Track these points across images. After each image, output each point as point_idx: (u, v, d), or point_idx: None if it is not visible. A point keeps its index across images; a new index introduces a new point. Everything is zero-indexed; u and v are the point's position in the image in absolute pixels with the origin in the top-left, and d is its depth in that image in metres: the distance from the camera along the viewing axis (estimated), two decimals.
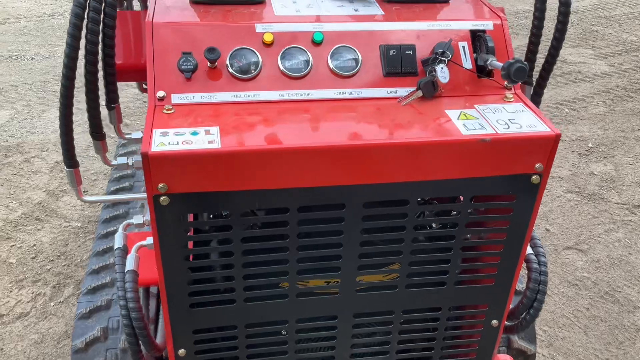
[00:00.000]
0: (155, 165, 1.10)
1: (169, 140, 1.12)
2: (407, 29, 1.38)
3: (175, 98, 1.25)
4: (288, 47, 1.32)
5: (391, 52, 1.33)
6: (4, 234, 2.97)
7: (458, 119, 1.25)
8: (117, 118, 1.47)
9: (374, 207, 1.25)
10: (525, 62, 1.22)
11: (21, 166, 3.51)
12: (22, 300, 2.63)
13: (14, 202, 3.15)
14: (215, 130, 1.16)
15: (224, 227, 1.22)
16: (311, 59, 1.32)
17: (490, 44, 1.36)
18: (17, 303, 2.62)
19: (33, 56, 4.88)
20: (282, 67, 1.30)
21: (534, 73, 1.57)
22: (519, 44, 5.19)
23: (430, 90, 1.31)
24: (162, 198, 1.13)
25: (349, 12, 1.42)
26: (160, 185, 1.12)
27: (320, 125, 1.21)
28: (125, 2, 1.72)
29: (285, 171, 1.16)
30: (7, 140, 3.74)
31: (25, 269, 2.79)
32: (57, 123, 3.62)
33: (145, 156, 1.09)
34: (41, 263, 2.82)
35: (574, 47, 5.44)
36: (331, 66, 1.32)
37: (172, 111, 1.22)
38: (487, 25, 1.41)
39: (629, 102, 4.59)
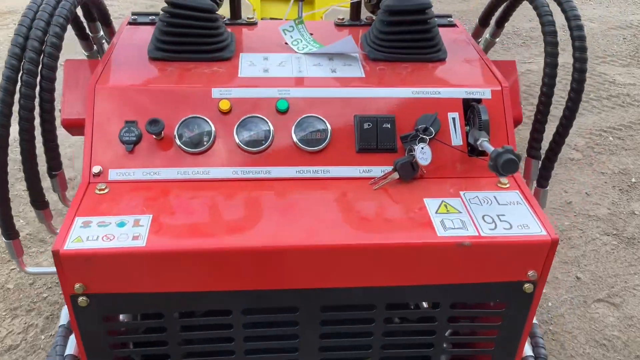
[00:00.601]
0: (69, 265, 0.95)
1: (88, 234, 0.97)
2: (388, 96, 1.19)
3: (113, 174, 1.10)
4: (247, 116, 1.15)
5: (365, 125, 1.15)
6: (6, 256, 2.91)
7: (437, 212, 1.06)
8: (60, 186, 1.34)
9: (332, 312, 1.07)
10: (517, 154, 1.02)
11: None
12: (14, 331, 2.56)
13: (21, 221, 3.09)
14: (146, 220, 1.01)
15: (158, 328, 1.07)
16: (272, 130, 1.15)
17: (484, 117, 1.16)
18: (8, 334, 2.55)
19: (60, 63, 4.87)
20: (238, 140, 1.14)
21: (541, 145, 1.35)
22: (564, 61, 4.87)
23: (408, 173, 1.12)
24: (80, 299, 0.99)
25: (324, 72, 1.25)
26: (77, 285, 0.97)
27: (272, 215, 1.04)
28: (95, 46, 1.59)
29: (225, 273, 0.99)
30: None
31: (21, 295, 2.73)
32: (68, 138, 3.57)
33: (57, 255, 0.94)
34: (38, 290, 2.75)
35: (624, 66, 5.07)
36: (295, 139, 1.15)
37: (105, 191, 1.08)
38: (483, 93, 1.21)
39: None
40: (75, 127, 1.32)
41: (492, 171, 1.04)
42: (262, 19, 2.05)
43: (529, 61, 4.94)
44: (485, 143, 1.11)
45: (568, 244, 3.12)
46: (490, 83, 1.22)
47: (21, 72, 1.10)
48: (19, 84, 1.10)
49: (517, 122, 1.36)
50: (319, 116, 1.16)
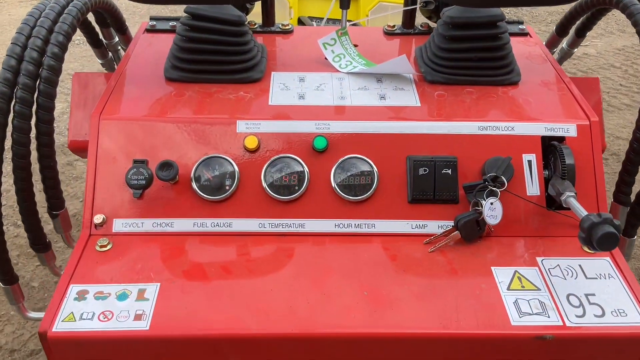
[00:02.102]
0: (59, 350, 0.79)
1: (83, 310, 0.80)
2: (449, 132, 0.97)
3: (118, 225, 0.93)
4: (277, 156, 0.96)
5: (421, 171, 0.94)
6: (31, 251, 2.82)
7: (509, 288, 0.85)
8: (63, 226, 1.17)
9: None
10: (617, 224, 0.79)
11: (63, 170, 3.36)
12: (35, 334, 2.47)
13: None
14: (153, 291, 0.83)
15: None
16: (307, 173, 0.95)
17: (568, 161, 0.94)
18: (31, 337, 2.46)
19: None
20: (266, 185, 0.94)
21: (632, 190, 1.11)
22: (623, 44, 4.49)
23: (473, 232, 0.91)
24: None
25: (372, 99, 1.04)
26: None
27: (304, 286, 0.85)
28: (110, 53, 1.40)
29: None
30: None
31: (46, 295, 2.63)
32: None
33: (44, 337, 0.78)
34: None
35: None
36: (334, 185, 0.95)
37: (107, 248, 0.90)
38: (567, 129, 0.98)
39: None
40: (84, 150, 1.15)
41: (582, 243, 0.82)
42: (299, 18, 1.83)
43: (585, 44, 4.57)
44: (572, 201, 0.88)
45: None
46: (576, 116, 1.00)
47: (17, 87, 0.93)
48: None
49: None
50: (364, 157, 0.95)
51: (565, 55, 1.44)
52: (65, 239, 1.19)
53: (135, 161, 0.94)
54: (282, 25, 1.28)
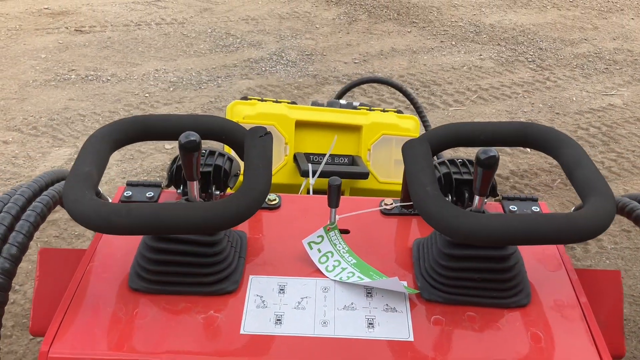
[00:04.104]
0: None
1: None
2: None
3: None
4: None
5: None
6: (27, 322, 2.77)
7: None
8: None
9: None
10: None
11: (65, 226, 3.31)
12: None
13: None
14: None
15: None
16: None
17: None
18: None
19: (109, 77, 4.70)
20: None
21: None
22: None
23: None
24: None
25: (358, 327, 0.94)
26: None
27: None
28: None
29: None
30: None
31: None
32: (115, 168, 3.40)
33: None
34: None
35: None
36: None
37: None
38: None
39: None
40: None
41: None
42: (295, 154, 1.74)
43: (611, 93, 4.41)
44: None
45: None
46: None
47: None
48: None
49: (618, 358, 1.02)
50: None
51: None
52: None
53: None
54: (269, 200, 1.19)
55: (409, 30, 5.21)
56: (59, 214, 3.31)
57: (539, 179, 3.46)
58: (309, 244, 1.06)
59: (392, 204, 1.19)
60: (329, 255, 1.05)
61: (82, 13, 5.65)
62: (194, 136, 0.90)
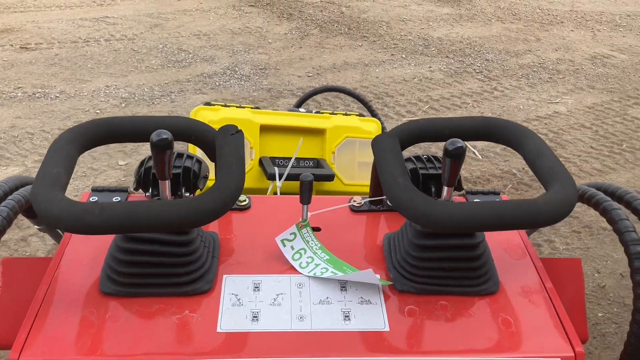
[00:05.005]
0: None
1: None
2: None
3: None
4: None
5: None
6: None
7: None
8: None
9: None
10: None
11: (16, 246, 3.20)
12: None
13: None
14: None
15: None
16: None
17: None
18: None
19: (57, 94, 4.59)
20: None
21: None
22: (593, 102, 4.51)
23: None
24: None
25: (335, 319, 0.95)
26: None
27: None
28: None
29: None
30: None
31: None
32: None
33: None
34: None
35: None
36: None
37: None
38: None
39: None
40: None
41: None
42: (260, 158, 1.74)
43: (556, 101, 4.58)
44: None
45: (602, 342, 2.81)
46: (559, 347, 0.92)
47: None
48: None
49: (582, 342, 1.05)
50: None
51: None
52: None
53: None
54: (238, 201, 1.19)
55: (360, 44, 5.30)
56: (8, 235, 3.19)
57: (491, 185, 3.56)
58: (282, 241, 1.07)
59: (361, 201, 1.21)
60: (302, 252, 1.05)
61: (28, 30, 5.51)
62: (165, 134, 0.89)
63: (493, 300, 1.00)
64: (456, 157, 0.92)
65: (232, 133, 0.99)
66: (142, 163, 1.14)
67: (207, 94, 4.52)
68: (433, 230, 0.95)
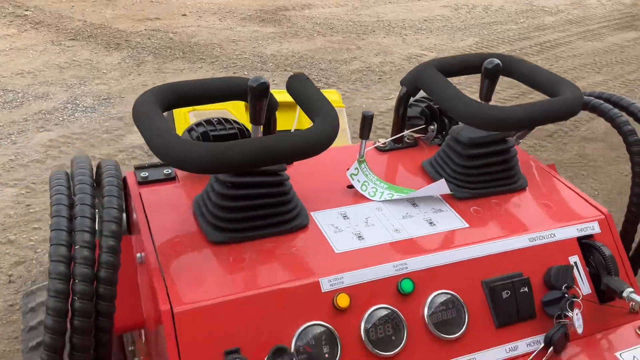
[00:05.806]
0: None
1: None
2: (508, 249, 1.02)
3: None
4: (371, 309, 0.91)
5: (504, 294, 0.97)
6: None
7: None
8: None
9: None
10: None
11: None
12: None
13: None
14: None
15: None
16: (404, 321, 0.92)
17: (608, 254, 1.04)
18: None
19: None
20: (369, 345, 0.89)
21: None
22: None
23: (563, 345, 0.96)
24: None
25: (424, 227, 1.05)
26: None
27: None
28: None
29: None
30: None
31: None
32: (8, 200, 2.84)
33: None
34: None
35: None
36: (431, 327, 0.93)
37: None
38: (592, 227, 1.09)
39: None
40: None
41: None
42: None
43: (390, 97, 5.06)
44: (635, 297, 0.98)
45: None
46: (593, 213, 1.12)
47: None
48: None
49: None
50: (449, 291, 0.95)
51: None
52: None
53: (227, 352, 0.81)
54: None
55: (199, 66, 5.32)
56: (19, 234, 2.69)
57: None
58: (351, 175, 1.13)
59: (385, 142, 1.32)
60: (367, 184, 1.13)
61: None
62: (264, 79, 0.93)
63: (528, 194, 1.18)
64: (494, 73, 1.09)
65: (305, 79, 1.05)
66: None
67: (52, 130, 4.20)
68: (494, 130, 1.10)
